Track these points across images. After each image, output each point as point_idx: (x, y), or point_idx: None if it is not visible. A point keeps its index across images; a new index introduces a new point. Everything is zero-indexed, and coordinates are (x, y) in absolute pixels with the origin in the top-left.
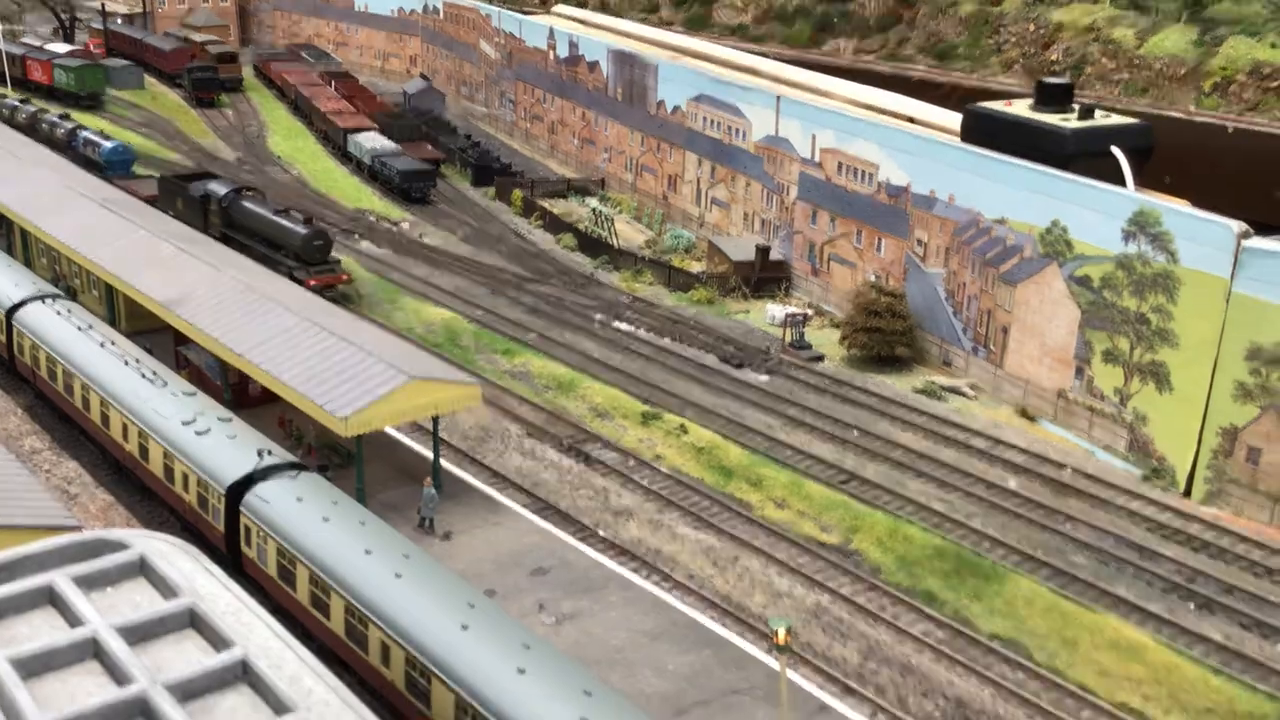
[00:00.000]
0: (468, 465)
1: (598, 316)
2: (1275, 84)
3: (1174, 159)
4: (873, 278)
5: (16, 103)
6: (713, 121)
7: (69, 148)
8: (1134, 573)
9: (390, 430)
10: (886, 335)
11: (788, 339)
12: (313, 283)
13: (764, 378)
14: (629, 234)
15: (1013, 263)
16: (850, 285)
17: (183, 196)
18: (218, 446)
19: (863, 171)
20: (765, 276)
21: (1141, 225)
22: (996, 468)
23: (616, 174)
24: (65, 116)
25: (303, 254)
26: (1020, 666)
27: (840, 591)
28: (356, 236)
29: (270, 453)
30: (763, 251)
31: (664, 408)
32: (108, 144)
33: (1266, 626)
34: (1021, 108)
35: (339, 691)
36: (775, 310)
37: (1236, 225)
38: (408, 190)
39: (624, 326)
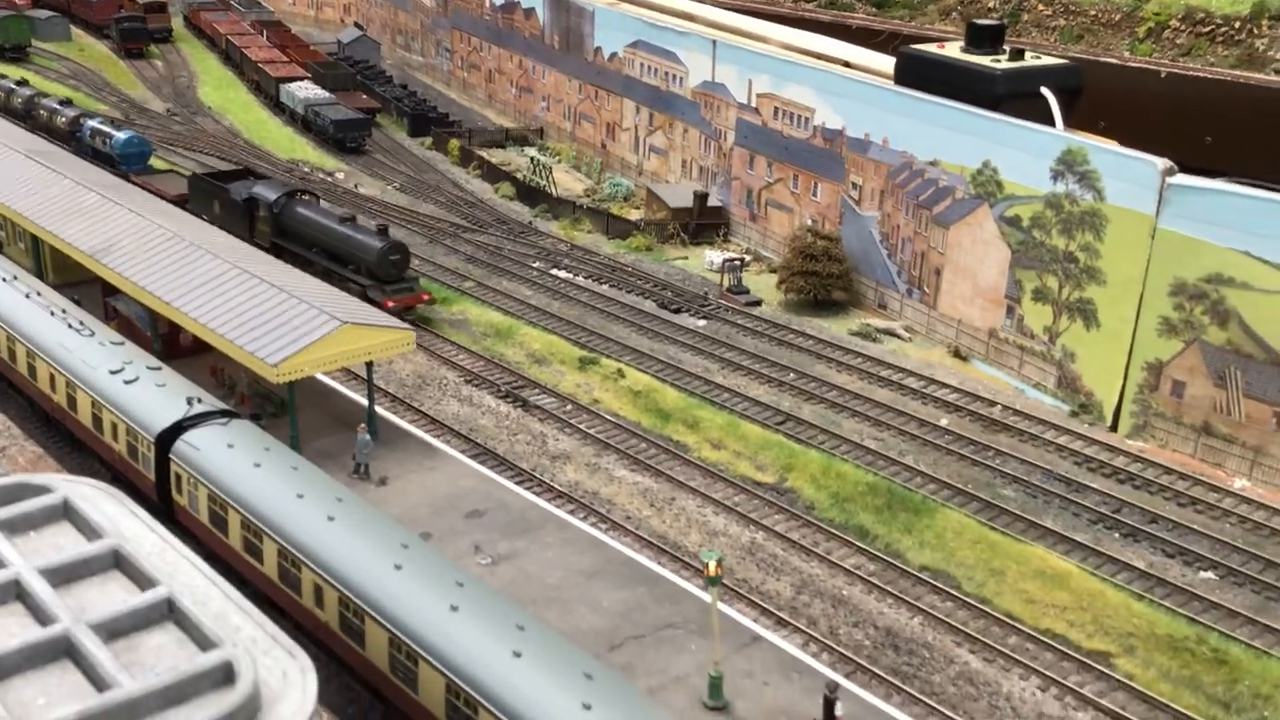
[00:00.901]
0: (405, 412)
1: (536, 264)
2: (1208, 29)
3: (1108, 104)
4: (809, 222)
5: (12, 85)
6: (650, 68)
7: (73, 138)
8: (1061, 504)
9: (326, 379)
10: (823, 279)
11: (725, 284)
12: (390, 304)
13: (701, 322)
14: (568, 183)
15: (945, 204)
16: (788, 230)
17: (221, 199)
18: (146, 395)
19: (798, 116)
20: (703, 223)
21: (1069, 164)
22: (929, 406)
23: (555, 123)
24: (67, 102)
25: (377, 270)
26: (949, 596)
27: (774, 528)
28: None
29: (200, 400)
30: (700, 198)
31: (601, 353)
32: (120, 134)
33: (1189, 554)
34: (953, 50)
35: (265, 627)
36: (713, 256)
37: (1161, 162)
38: (342, 140)
39: (562, 274)
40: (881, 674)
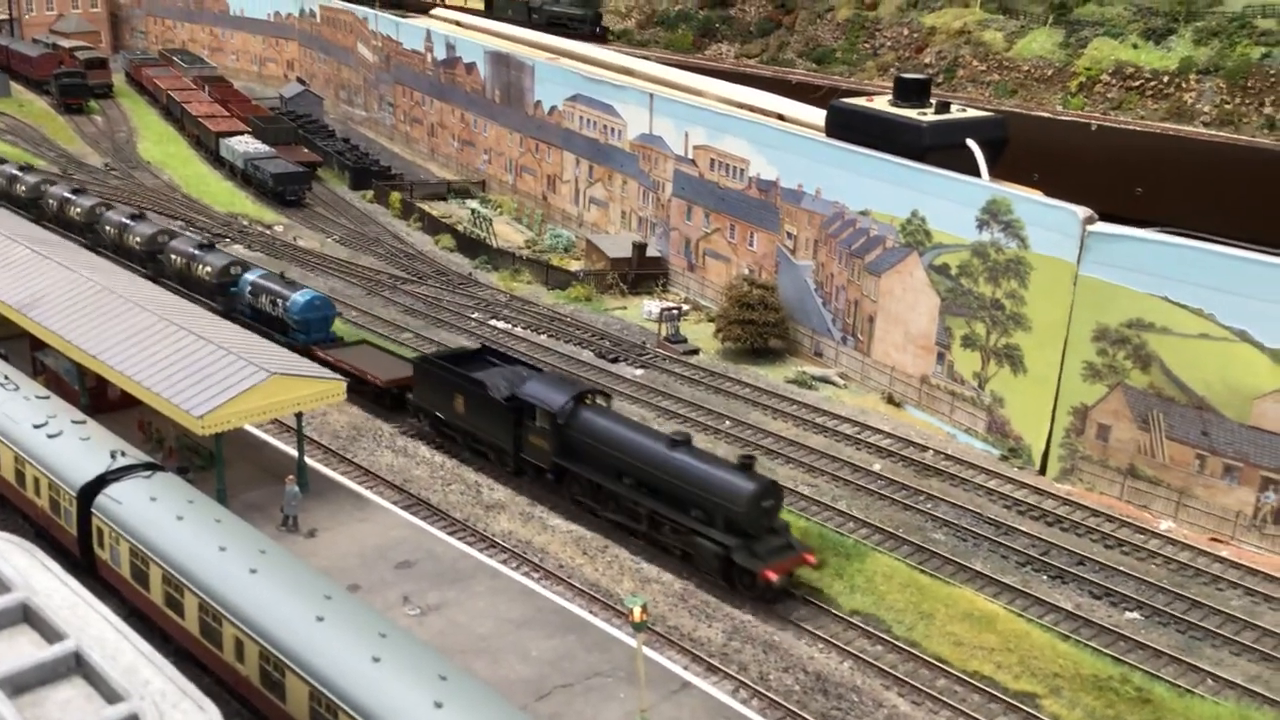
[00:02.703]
0: (338, 464)
1: (474, 315)
2: (1137, 83)
3: (1042, 156)
4: (746, 271)
5: (124, 221)
6: (589, 121)
7: (221, 293)
8: (990, 547)
9: (257, 431)
10: (759, 327)
11: (663, 333)
12: (773, 578)
13: (639, 371)
14: (509, 234)
15: (876, 253)
16: (725, 280)
17: (467, 395)
18: (69, 449)
19: (734, 167)
20: (642, 273)
21: (994, 214)
22: (863, 452)
23: (497, 175)
24: (209, 247)
25: (744, 522)
26: (879, 640)
27: (707, 575)
28: (227, 240)
29: (124, 454)
30: (639, 248)
31: None
32: (298, 295)
33: (1115, 594)
34: (882, 103)
35: (176, 681)
36: (651, 306)
37: (1081, 211)
38: (281, 193)
39: (501, 325)
40: (810, 719)
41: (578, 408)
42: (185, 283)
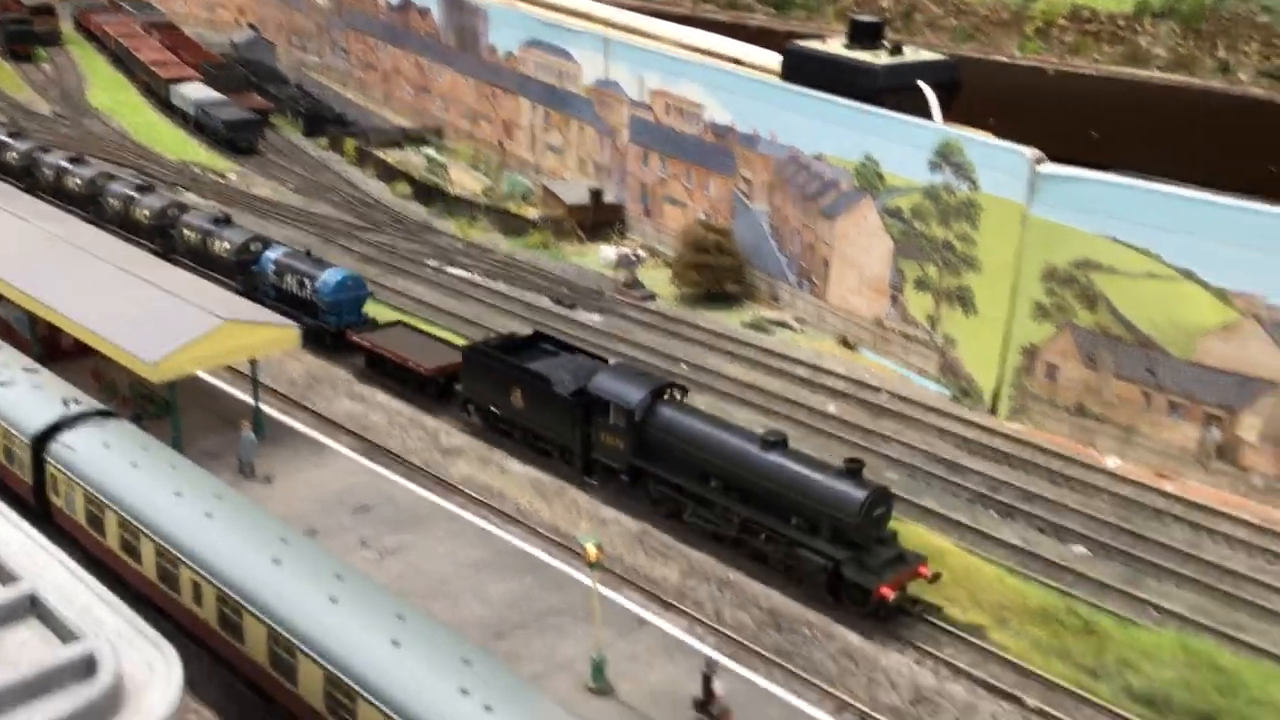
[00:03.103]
0: (296, 411)
1: (431, 263)
2: (1094, 28)
3: (998, 101)
4: (702, 216)
5: (130, 194)
6: (544, 66)
7: (240, 272)
8: (941, 485)
9: (213, 379)
10: (716, 272)
11: (621, 279)
12: (889, 593)
13: (597, 318)
14: (466, 182)
15: (831, 197)
16: (682, 225)
17: (526, 388)
18: (22, 397)
19: (690, 112)
20: (600, 219)
21: (945, 156)
22: (818, 394)
23: (453, 122)
24: (225, 220)
25: (854, 532)
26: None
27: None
28: (179, 189)
29: (77, 401)
30: (596, 195)
31: None
32: (329, 275)
33: (1062, 529)
34: (836, 46)
35: (133, 622)
36: (609, 252)
37: (1030, 152)
38: (233, 140)
39: (458, 272)
40: (764, 653)
41: (656, 403)
42: (200, 259)
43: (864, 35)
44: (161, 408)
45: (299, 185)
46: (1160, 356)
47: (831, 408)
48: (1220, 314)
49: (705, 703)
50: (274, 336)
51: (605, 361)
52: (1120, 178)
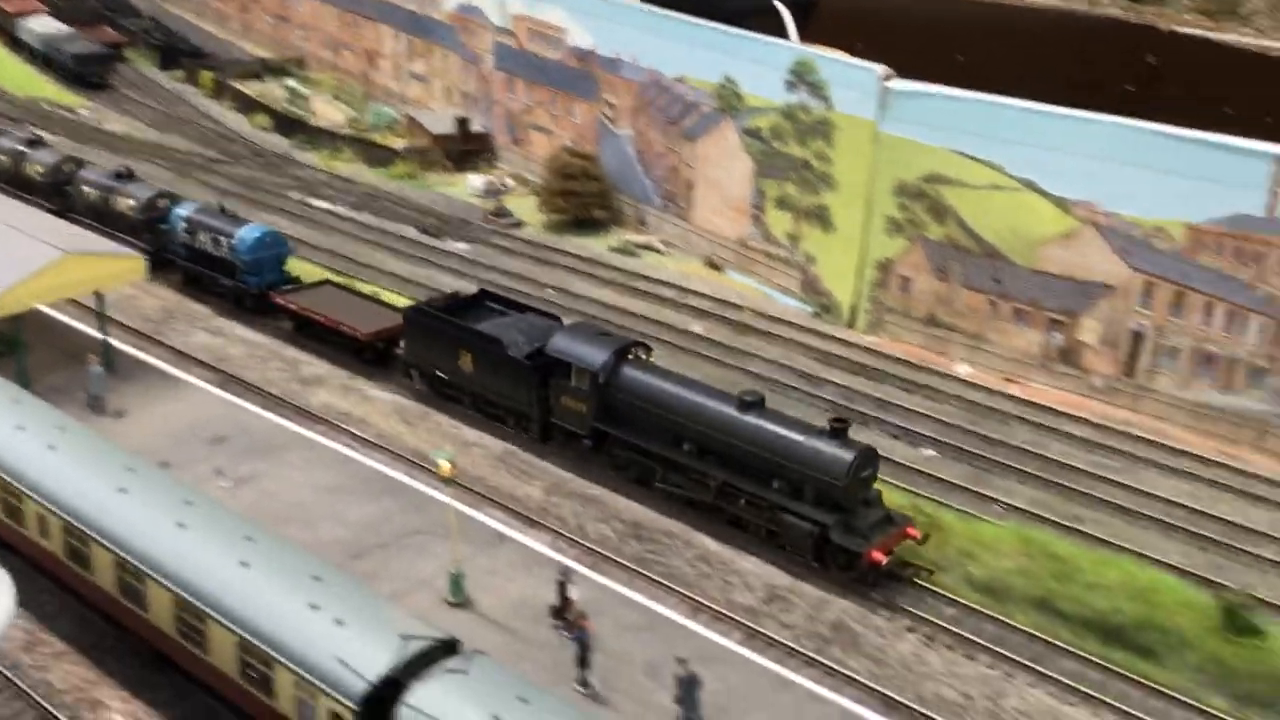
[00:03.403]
0: (149, 346)
1: (294, 195)
2: None
3: (863, 26)
4: (568, 143)
5: (19, 149)
6: None
7: (147, 230)
8: (799, 396)
9: (62, 316)
10: (582, 198)
11: (488, 208)
12: (880, 557)
13: (464, 246)
14: (329, 113)
15: (692, 119)
16: (549, 153)
17: (476, 351)
18: None
19: (553, 37)
20: (467, 149)
21: (801, 75)
22: (683, 315)
23: (315, 52)
24: (128, 175)
25: (842, 495)
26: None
27: (526, 437)
28: (29, 127)
29: None
30: (462, 124)
31: (359, 278)
32: (246, 231)
33: (913, 434)
34: None
35: None
36: (476, 181)
37: (880, 69)
38: (83, 75)
39: (322, 204)
40: (625, 562)
41: (620, 364)
42: (102, 218)
43: None
44: (9, 347)
45: (154, 119)
46: (1005, 266)
47: (696, 327)
48: (1060, 222)
49: (561, 609)
50: (118, 269)
51: (558, 320)
52: (965, 92)
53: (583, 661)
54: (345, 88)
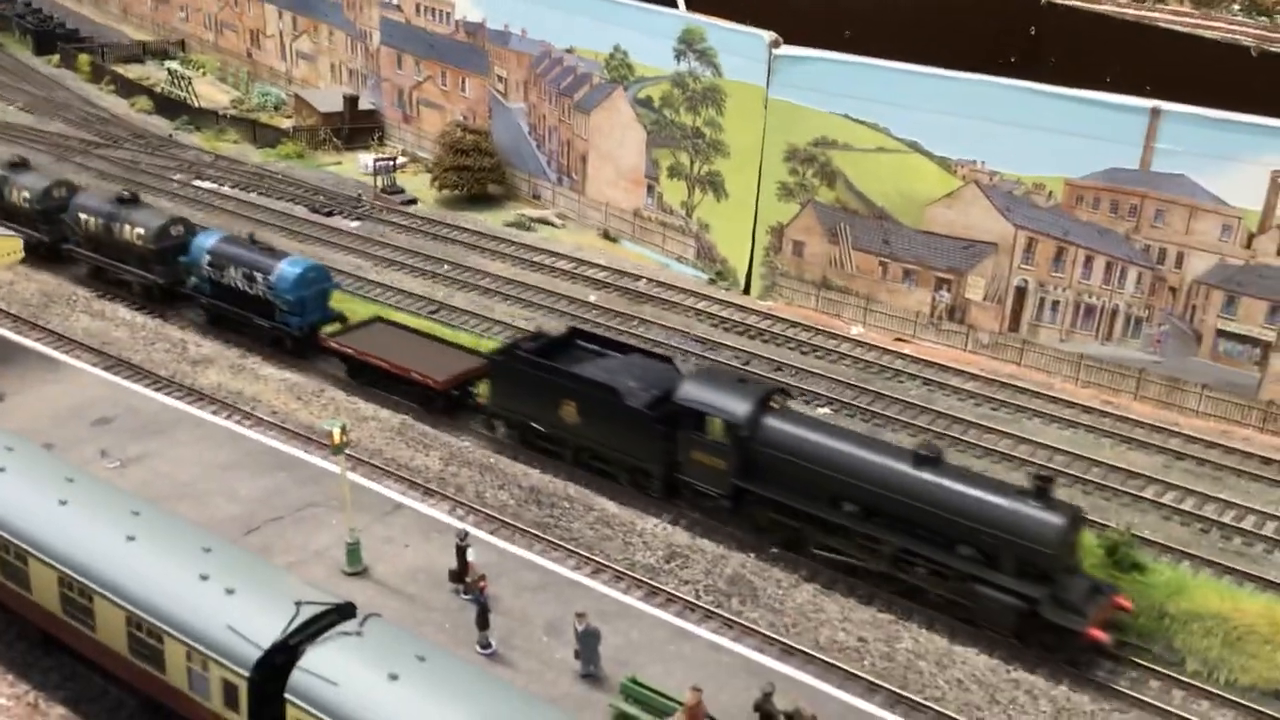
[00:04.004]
0: (29, 330)
1: (177, 176)
2: None
3: (753, 3)
4: (460, 119)
5: (13, 168)
6: None
7: (160, 262)
8: (696, 361)
9: None
10: (475, 173)
11: (379, 186)
12: (1102, 636)
13: (355, 224)
14: (213, 95)
15: (584, 91)
16: (440, 129)
17: (585, 399)
18: None
19: (440, 11)
20: (357, 127)
21: (689, 43)
22: (579, 285)
23: (197, 34)
24: (132, 199)
25: (1051, 564)
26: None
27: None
28: None
29: None
30: (351, 101)
31: None
32: (286, 265)
33: (808, 393)
34: None
35: None
36: (367, 159)
37: (767, 35)
38: None
39: (206, 185)
40: (525, 528)
41: (762, 414)
42: (105, 250)
43: None
44: None
45: (29, 103)
46: (894, 227)
47: (593, 298)
48: (944, 183)
49: (460, 573)
50: None
51: (671, 362)
52: (850, 56)
53: (482, 623)
54: (230, 68)
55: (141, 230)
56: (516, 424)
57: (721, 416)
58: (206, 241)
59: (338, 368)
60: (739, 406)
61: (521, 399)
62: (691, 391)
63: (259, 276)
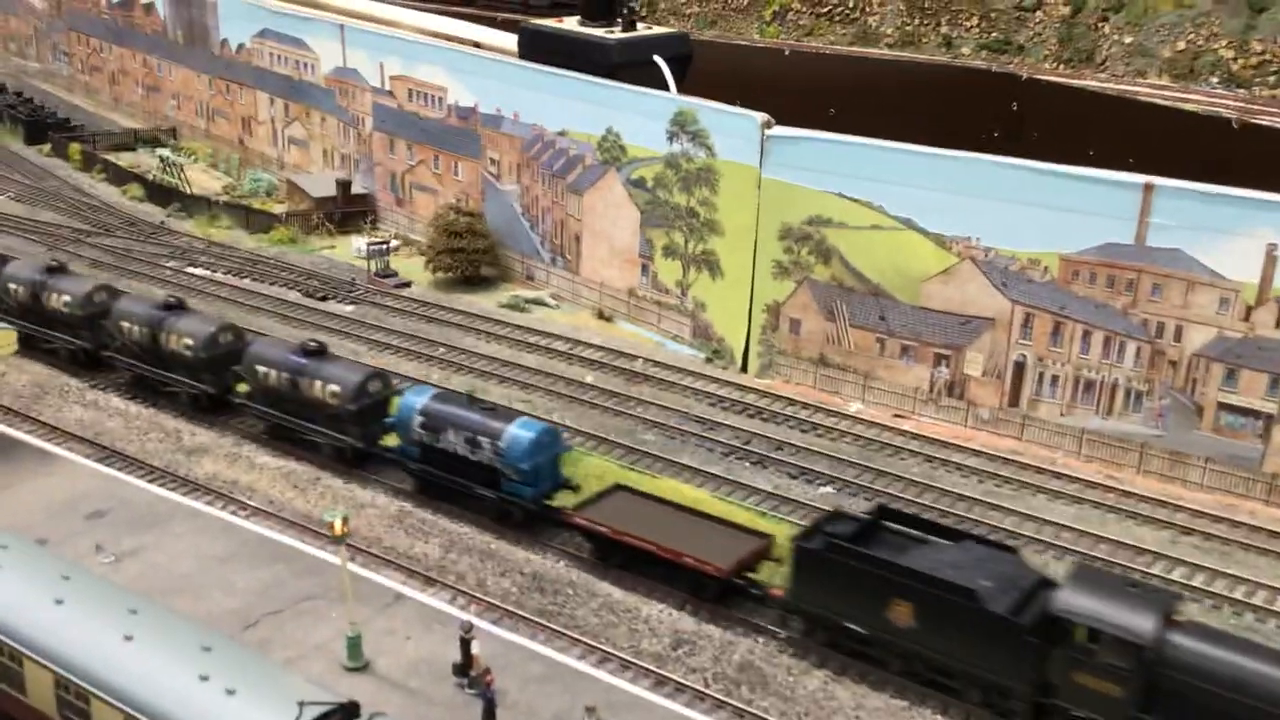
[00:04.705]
0: (20, 423)
1: (169, 264)
2: (826, 9)
3: (741, 84)
4: (454, 201)
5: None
6: (280, 57)
7: (357, 423)
8: (696, 442)
9: None
10: (469, 255)
11: (373, 269)
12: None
13: (349, 308)
14: (205, 181)
15: (577, 173)
16: (434, 212)
17: (926, 600)
18: None
19: (432, 96)
20: (349, 211)
21: (682, 125)
22: (575, 366)
23: (188, 121)
24: (319, 353)
25: None
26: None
27: (423, 495)
28: None
29: None
30: (343, 186)
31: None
32: (518, 430)
33: (810, 472)
34: (571, 23)
35: None
36: (360, 243)
37: (759, 116)
38: None
39: (199, 271)
40: (528, 615)
41: (1169, 630)
42: (287, 405)
43: (597, 11)
44: None
45: (20, 193)
46: (890, 304)
47: (589, 378)
48: (940, 259)
49: (465, 665)
50: None
51: (1015, 551)
52: (842, 136)
53: (489, 718)
54: (222, 155)
55: (335, 388)
56: (829, 624)
57: (1119, 634)
58: (417, 401)
59: (566, 541)
60: (1142, 622)
61: (834, 595)
62: (1075, 601)
63: (485, 442)
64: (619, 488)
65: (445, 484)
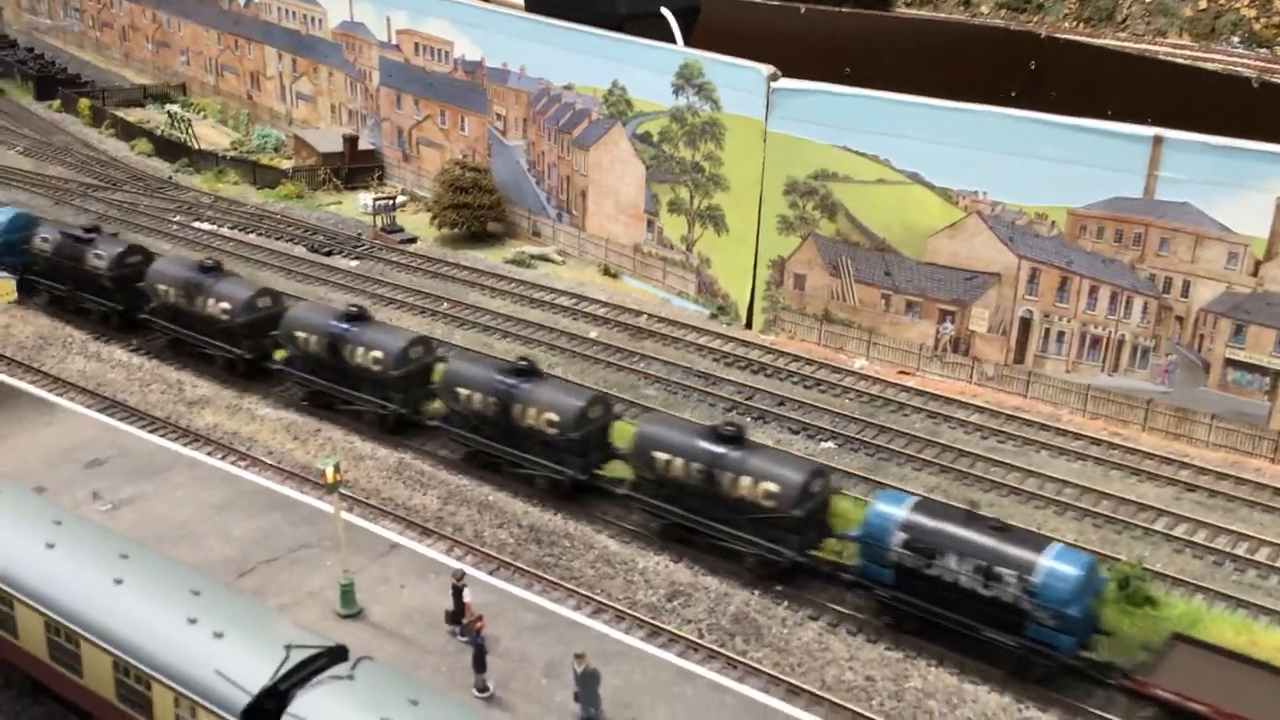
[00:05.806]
0: (23, 373)
1: (176, 218)
2: None
3: (754, 42)
4: (460, 156)
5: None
6: (287, 11)
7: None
8: (699, 398)
9: None
10: (475, 211)
11: (379, 225)
12: None
13: (354, 263)
14: (213, 137)
15: (583, 127)
16: (440, 167)
17: None
18: None
19: (439, 50)
20: (356, 166)
21: (687, 78)
22: (579, 322)
23: (197, 76)
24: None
25: None
26: (589, 488)
27: (423, 448)
28: None
29: None
30: (350, 141)
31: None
32: (1063, 564)
33: (812, 428)
34: None
35: None
36: (366, 199)
37: (765, 69)
38: None
39: (205, 226)
40: (525, 567)
41: None
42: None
43: None
44: None
45: (29, 148)
46: (896, 259)
47: (593, 334)
48: (946, 214)
49: (457, 613)
50: None
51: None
52: (848, 88)
53: (479, 665)
54: (230, 110)
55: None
56: None
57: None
58: (896, 513)
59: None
60: None
61: None
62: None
63: (1008, 576)
64: (1179, 639)
65: (937, 621)
